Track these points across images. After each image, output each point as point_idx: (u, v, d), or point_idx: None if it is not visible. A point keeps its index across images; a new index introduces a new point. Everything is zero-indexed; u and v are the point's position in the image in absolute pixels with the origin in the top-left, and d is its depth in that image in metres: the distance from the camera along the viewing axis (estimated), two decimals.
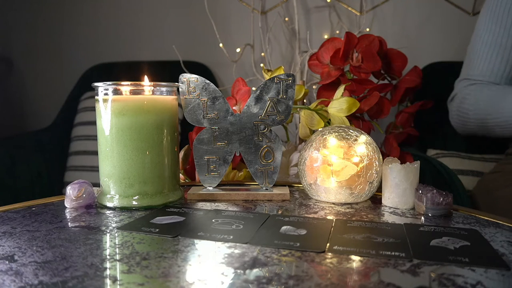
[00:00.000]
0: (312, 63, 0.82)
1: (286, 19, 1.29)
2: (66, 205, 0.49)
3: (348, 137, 0.51)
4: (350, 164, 0.50)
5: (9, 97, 1.69)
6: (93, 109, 1.29)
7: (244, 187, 0.57)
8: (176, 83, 0.52)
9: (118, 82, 0.47)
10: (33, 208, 0.48)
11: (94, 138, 0.91)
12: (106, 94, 0.48)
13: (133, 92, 0.48)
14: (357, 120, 0.70)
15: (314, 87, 1.18)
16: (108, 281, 0.30)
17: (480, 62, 0.83)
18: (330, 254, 0.34)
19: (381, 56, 0.81)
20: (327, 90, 0.77)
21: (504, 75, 0.82)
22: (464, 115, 0.84)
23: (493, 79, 0.83)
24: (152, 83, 0.49)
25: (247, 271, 0.31)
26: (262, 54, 1.30)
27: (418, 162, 0.49)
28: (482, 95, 0.80)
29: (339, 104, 0.63)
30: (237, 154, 0.54)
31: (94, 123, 0.51)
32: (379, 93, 0.70)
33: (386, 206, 0.50)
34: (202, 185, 0.56)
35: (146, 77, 0.51)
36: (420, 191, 0.46)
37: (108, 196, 0.49)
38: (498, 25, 0.80)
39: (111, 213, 0.47)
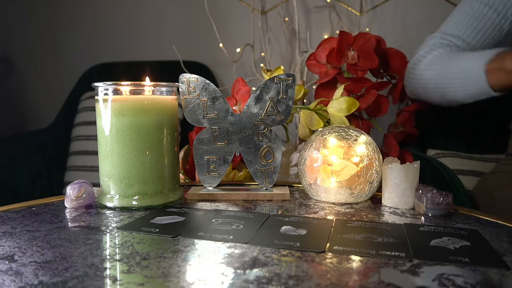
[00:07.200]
0: (310, 63, 0.82)
1: (286, 19, 1.29)
2: (66, 205, 0.49)
3: (348, 137, 0.51)
4: (350, 164, 0.50)
5: (9, 97, 1.69)
6: (93, 109, 1.29)
7: (244, 187, 0.57)
8: (176, 83, 0.52)
9: (118, 82, 0.47)
10: (33, 208, 0.48)
11: (94, 138, 0.91)
12: (106, 94, 0.48)
13: (133, 92, 0.48)
14: (356, 119, 0.70)
15: (314, 87, 1.17)
16: (108, 281, 0.30)
17: (461, 17, 0.78)
18: (330, 254, 0.34)
19: (380, 55, 0.81)
20: (324, 89, 0.77)
21: (482, 39, 0.76)
22: (417, 72, 0.79)
23: (467, 37, 0.77)
24: (152, 83, 0.49)
25: (247, 271, 0.31)
26: (262, 54, 1.30)
27: (418, 162, 0.49)
28: (440, 56, 0.77)
29: (339, 104, 0.63)
30: (237, 154, 0.54)
31: (94, 123, 0.51)
32: (376, 91, 0.70)
33: (386, 206, 0.50)
34: (202, 185, 0.56)
35: (146, 77, 0.51)
36: (420, 191, 0.46)
37: (108, 196, 0.49)
38: None
39: (111, 213, 0.47)
